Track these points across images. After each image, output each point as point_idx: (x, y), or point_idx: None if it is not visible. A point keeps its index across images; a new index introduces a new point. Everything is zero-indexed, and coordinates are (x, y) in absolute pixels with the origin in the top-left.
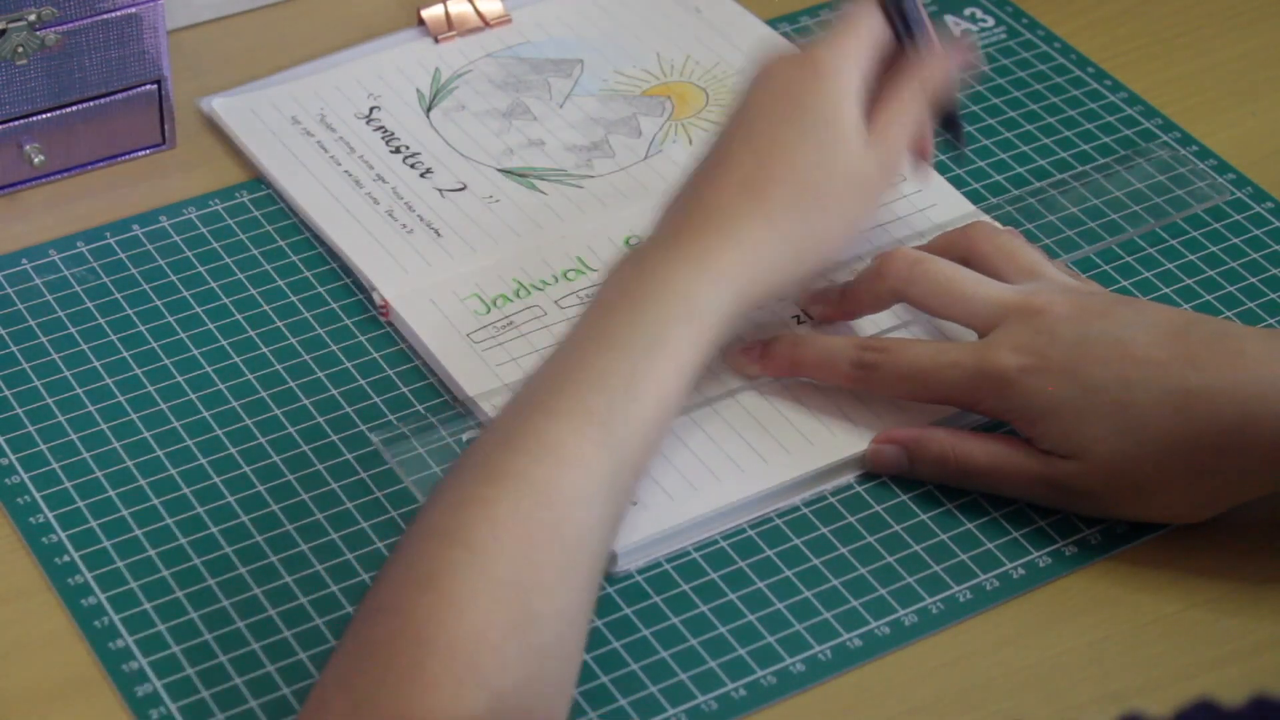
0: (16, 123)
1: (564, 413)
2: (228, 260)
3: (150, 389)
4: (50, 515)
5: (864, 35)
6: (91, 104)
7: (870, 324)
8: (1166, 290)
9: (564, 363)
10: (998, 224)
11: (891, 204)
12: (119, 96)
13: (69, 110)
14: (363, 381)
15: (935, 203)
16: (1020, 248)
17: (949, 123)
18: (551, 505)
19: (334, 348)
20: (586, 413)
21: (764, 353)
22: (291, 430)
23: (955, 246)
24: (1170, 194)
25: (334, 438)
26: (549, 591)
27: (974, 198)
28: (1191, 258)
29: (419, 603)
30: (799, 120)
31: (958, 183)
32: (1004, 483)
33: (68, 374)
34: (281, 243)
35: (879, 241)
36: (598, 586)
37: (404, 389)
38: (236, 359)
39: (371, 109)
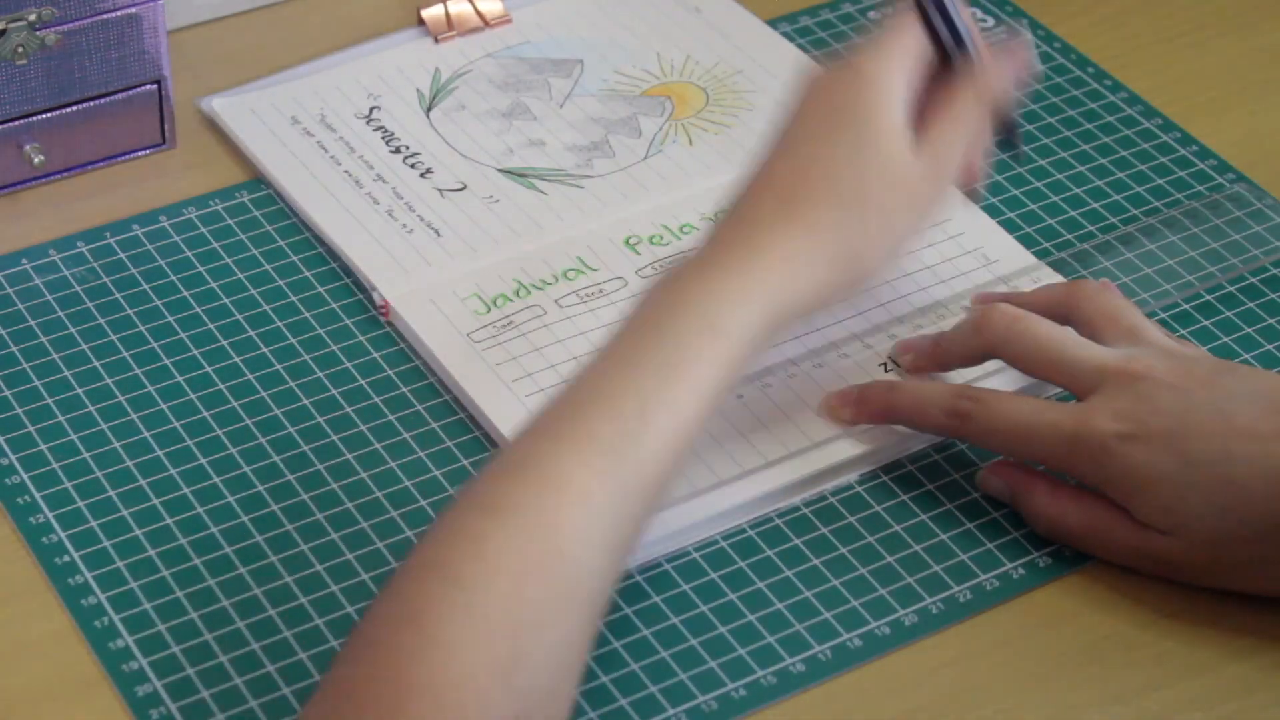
0: (16, 123)
1: (570, 441)
2: (228, 260)
3: (150, 389)
4: (50, 515)
5: (909, 42)
6: (91, 104)
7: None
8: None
9: (580, 387)
10: (1100, 281)
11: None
12: (119, 96)
13: (69, 110)
14: (363, 381)
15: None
16: (1123, 309)
17: (1008, 133)
18: (548, 540)
19: (334, 348)
20: (594, 441)
21: (859, 398)
22: (291, 430)
23: (1058, 306)
24: (1241, 248)
25: (334, 437)
26: (541, 631)
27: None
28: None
29: (403, 641)
30: (840, 129)
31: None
32: (1096, 549)
33: (68, 374)
34: (281, 243)
35: (937, 296)
36: (597, 623)
37: (404, 389)
38: (236, 359)
39: (371, 109)
